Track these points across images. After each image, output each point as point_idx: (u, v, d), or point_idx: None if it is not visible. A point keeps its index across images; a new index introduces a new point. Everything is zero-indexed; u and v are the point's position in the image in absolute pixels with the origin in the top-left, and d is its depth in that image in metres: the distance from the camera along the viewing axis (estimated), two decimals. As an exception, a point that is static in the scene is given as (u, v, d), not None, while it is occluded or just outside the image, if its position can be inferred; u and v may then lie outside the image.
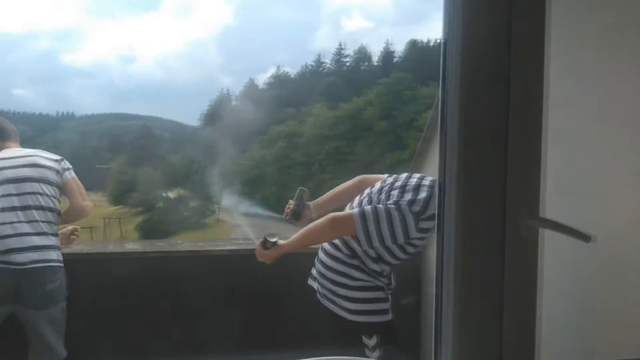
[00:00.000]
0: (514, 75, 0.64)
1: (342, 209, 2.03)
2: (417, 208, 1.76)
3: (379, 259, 1.87)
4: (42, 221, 2.14)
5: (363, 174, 2.14)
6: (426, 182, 1.86)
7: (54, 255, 2.15)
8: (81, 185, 2.39)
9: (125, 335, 2.56)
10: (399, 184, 1.89)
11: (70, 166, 2.38)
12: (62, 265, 2.19)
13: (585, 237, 0.66)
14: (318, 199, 2.14)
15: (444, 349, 0.73)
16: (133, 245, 2.96)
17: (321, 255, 1.96)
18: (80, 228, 2.58)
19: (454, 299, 0.69)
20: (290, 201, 2.10)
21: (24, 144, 2.46)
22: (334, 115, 36.47)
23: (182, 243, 3.15)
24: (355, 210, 1.82)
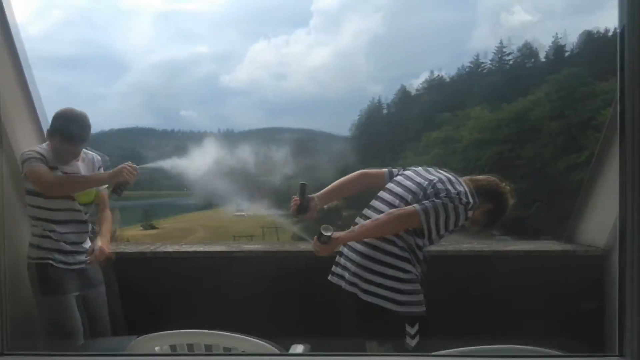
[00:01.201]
0: None
1: (342, 202, 2.21)
2: (464, 199, 1.93)
3: (422, 247, 1.99)
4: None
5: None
6: (450, 175, 2.03)
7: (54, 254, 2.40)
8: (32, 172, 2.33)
9: (300, 321, 2.84)
10: (434, 178, 2.01)
11: (27, 157, 2.32)
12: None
13: None
14: (320, 192, 2.24)
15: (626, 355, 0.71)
16: (305, 246, 3.28)
17: (366, 250, 2.01)
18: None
19: (638, 303, 0.67)
20: (294, 196, 2.17)
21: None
22: (496, 118, 34.19)
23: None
24: (417, 205, 1.94)
